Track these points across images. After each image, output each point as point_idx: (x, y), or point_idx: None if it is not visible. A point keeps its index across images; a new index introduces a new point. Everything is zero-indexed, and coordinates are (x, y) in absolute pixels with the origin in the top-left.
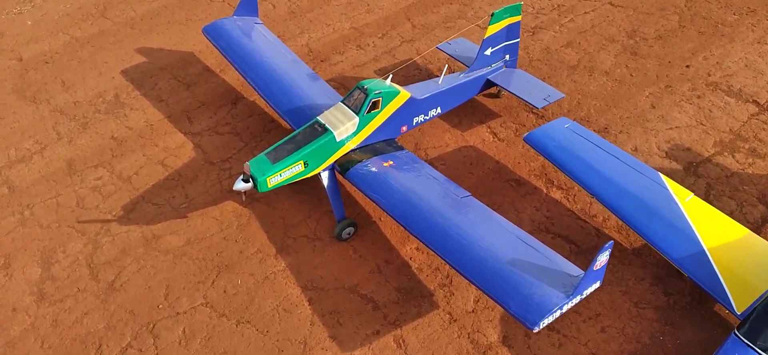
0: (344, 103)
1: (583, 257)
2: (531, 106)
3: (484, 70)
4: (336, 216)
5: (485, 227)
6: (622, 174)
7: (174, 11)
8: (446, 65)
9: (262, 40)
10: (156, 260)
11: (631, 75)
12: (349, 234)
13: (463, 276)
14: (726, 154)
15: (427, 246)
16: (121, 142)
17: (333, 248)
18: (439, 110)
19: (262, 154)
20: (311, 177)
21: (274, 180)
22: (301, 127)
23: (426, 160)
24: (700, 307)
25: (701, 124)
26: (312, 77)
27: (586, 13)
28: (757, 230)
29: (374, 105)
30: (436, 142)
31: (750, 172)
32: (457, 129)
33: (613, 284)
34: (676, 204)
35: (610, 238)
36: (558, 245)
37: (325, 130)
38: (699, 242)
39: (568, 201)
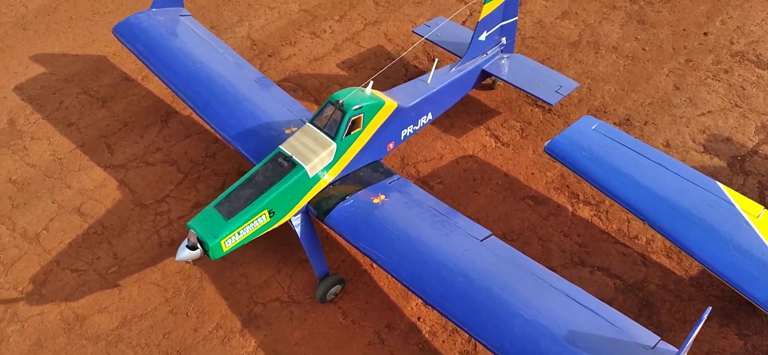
0: (314, 125)
1: (631, 295)
2: (540, 101)
3: (479, 60)
4: (316, 273)
5: (522, 286)
6: (672, 187)
7: (76, 3)
8: (436, 60)
9: (193, 38)
10: (83, 352)
11: (643, 49)
12: (335, 293)
13: None
14: None
15: (455, 323)
16: (22, 186)
17: (316, 313)
18: (430, 116)
19: (210, 206)
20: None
21: (231, 241)
22: (260, 163)
23: (418, 180)
24: None
25: (736, 105)
26: (262, 84)
27: None
28: None
29: (354, 124)
30: (426, 154)
31: None
32: (450, 134)
33: (677, 331)
34: (748, 224)
35: (660, 265)
36: (599, 281)
37: (293, 164)
38: None
39: (601, 220)
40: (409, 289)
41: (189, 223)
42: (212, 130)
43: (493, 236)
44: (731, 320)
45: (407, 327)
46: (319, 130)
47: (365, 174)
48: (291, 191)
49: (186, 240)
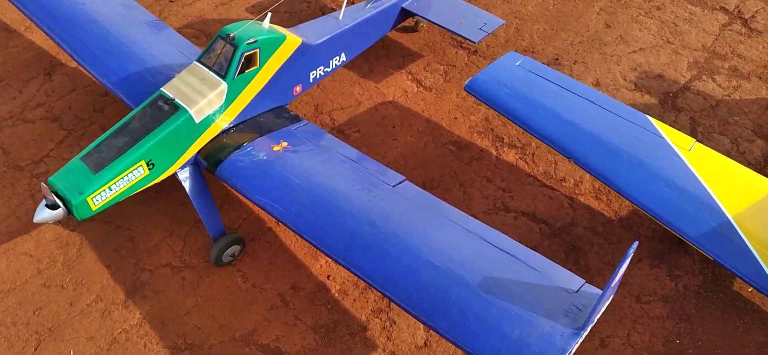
0: (202, 63)
1: (558, 239)
2: (463, 39)
3: None
4: (210, 232)
5: (436, 231)
6: (600, 122)
7: None
8: None
9: None
10: None
11: None
12: (233, 255)
13: (419, 319)
14: (705, 78)
15: (358, 275)
16: None
17: (212, 278)
18: (343, 58)
19: (77, 158)
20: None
21: (101, 198)
22: (137, 108)
23: (332, 129)
24: (717, 289)
25: (668, 42)
26: (154, 27)
27: None
28: (761, 170)
29: (249, 61)
30: (342, 101)
31: (737, 98)
32: (369, 79)
33: (606, 274)
34: (679, 157)
35: (589, 207)
36: (523, 226)
37: (175, 108)
38: (719, 209)
39: (526, 163)
40: (309, 241)
41: (49, 179)
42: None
43: (406, 182)
44: (662, 261)
45: (315, 287)
46: (207, 69)
47: (266, 120)
48: (173, 138)
49: (44, 198)
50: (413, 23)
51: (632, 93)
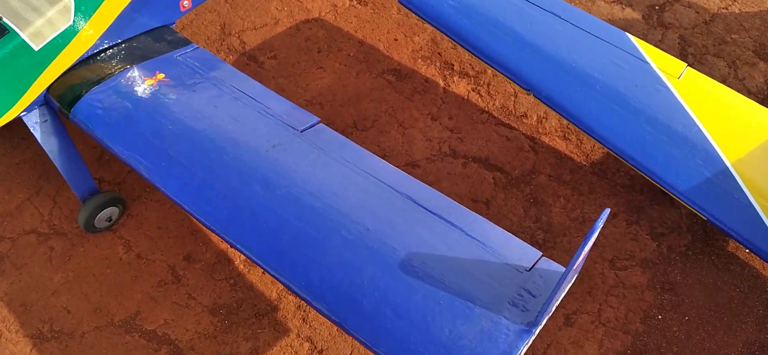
0: None
1: (516, 191)
2: None
3: None
4: (76, 192)
5: (350, 192)
6: (571, 44)
7: None
8: None
9: None
10: None
11: None
12: (110, 219)
13: (322, 313)
14: None
15: (246, 253)
16: None
17: (87, 247)
18: None
19: None
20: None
21: None
22: None
23: (242, 54)
24: (709, 250)
25: None
26: None
27: None
28: (764, 101)
29: None
30: (255, 19)
31: (736, 11)
32: None
33: (573, 234)
34: (666, 87)
35: (554, 150)
36: (474, 175)
37: (2, 30)
38: (715, 154)
39: (480, 96)
40: (184, 207)
41: None
42: None
43: (319, 125)
44: (642, 216)
45: (214, 258)
46: None
47: (141, 44)
48: (3, 72)
49: None
50: None
51: (610, 6)
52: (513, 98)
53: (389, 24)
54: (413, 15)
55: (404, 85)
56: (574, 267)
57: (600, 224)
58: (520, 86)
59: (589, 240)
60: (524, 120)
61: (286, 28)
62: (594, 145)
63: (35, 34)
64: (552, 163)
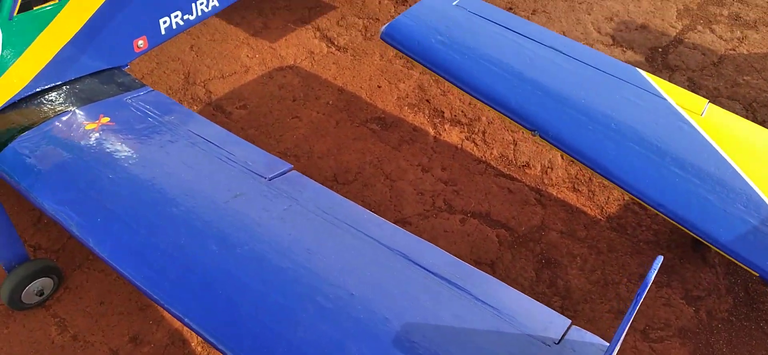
0: None
1: (524, 250)
2: None
3: None
4: (0, 259)
5: (330, 249)
6: (578, 81)
7: None
8: None
9: None
10: None
11: None
12: (41, 292)
13: None
14: (700, 28)
15: (196, 331)
16: None
17: (12, 328)
18: (213, 0)
19: None
20: None
21: None
22: None
23: (207, 105)
24: (756, 314)
25: None
26: None
27: None
28: None
29: None
30: (224, 67)
31: (743, 51)
32: (262, 37)
33: (595, 300)
34: (690, 125)
35: (564, 203)
36: (475, 233)
37: None
38: (757, 197)
39: (476, 144)
40: (121, 272)
41: None
42: None
43: (292, 171)
44: (673, 277)
45: (167, 338)
46: None
47: (85, 86)
48: None
49: None
50: None
51: (610, 49)
52: (512, 147)
53: (371, 70)
54: (397, 61)
55: (390, 135)
56: (624, 332)
57: (652, 275)
58: (524, 127)
59: (638, 301)
60: (527, 170)
61: (257, 76)
62: (608, 197)
63: None
64: (563, 217)
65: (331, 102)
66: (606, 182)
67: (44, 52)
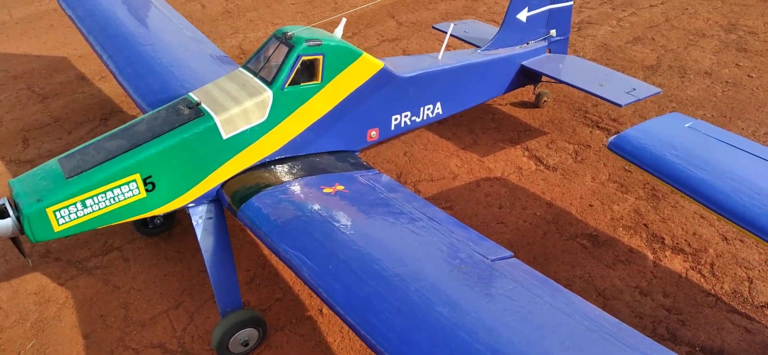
0: (247, 68)
1: None
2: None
3: (517, 50)
4: (218, 303)
5: (555, 334)
6: None
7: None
8: (451, 25)
9: (147, 7)
10: None
11: (748, 76)
12: (246, 343)
13: None
14: None
15: None
16: None
17: None
18: (438, 109)
19: (55, 159)
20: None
21: (69, 215)
22: (153, 110)
23: None
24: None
25: None
26: (219, 61)
27: (652, 5)
28: None
29: (308, 70)
30: (433, 171)
31: None
32: (471, 151)
33: None
34: None
35: None
36: None
37: (198, 112)
38: None
39: (702, 276)
40: (347, 319)
41: (12, 179)
42: None
43: (514, 258)
44: None
45: None
46: (251, 74)
47: (323, 160)
48: (187, 152)
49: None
50: (534, 97)
51: None
52: (747, 284)
53: (582, 190)
54: (610, 184)
55: (602, 252)
56: None
57: None
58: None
59: None
60: (766, 310)
61: (464, 183)
62: None
63: (228, 121)
64: None
65: (538, 213)
66: None
67: (300, 122)
